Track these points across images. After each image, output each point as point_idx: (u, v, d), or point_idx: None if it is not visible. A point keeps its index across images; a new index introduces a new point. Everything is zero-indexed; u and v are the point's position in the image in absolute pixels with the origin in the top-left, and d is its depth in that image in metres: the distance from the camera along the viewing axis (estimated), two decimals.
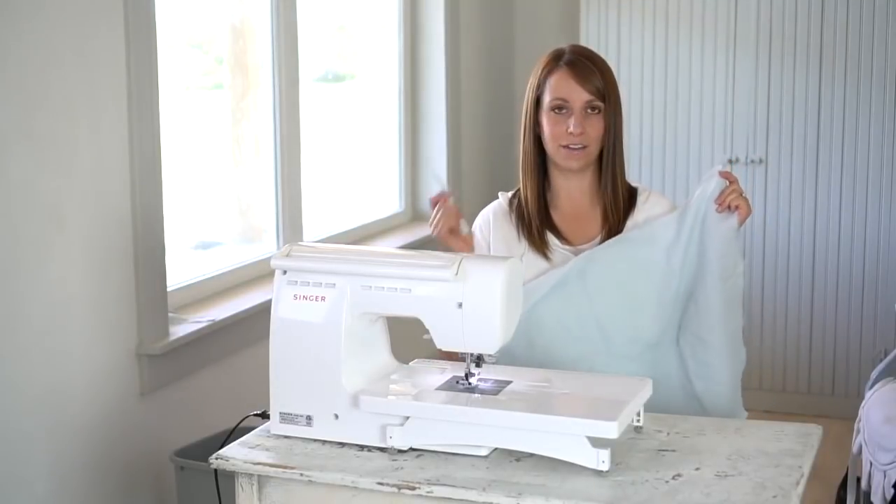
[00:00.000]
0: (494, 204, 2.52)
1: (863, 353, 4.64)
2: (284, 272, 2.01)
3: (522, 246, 2.43)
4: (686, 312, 2.36)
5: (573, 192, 2.45)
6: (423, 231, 4.57)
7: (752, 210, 2.36)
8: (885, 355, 3.61)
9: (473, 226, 2.53)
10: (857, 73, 4.52)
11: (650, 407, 2.03)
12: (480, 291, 1.89)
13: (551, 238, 2.43)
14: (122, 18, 2.83)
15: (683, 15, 4.70)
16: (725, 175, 2.33)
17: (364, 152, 4.63)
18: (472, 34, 4.93)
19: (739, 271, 2.35)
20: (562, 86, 2.38)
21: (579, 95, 2.37)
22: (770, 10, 4.59)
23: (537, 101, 2.43)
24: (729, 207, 2.31)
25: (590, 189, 2.45)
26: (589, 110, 2.38)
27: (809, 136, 4.61)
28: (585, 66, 2.39)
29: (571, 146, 2.38)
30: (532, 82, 2.44)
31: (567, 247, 2.42)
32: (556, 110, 2.38)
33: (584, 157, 2.39)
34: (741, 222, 2.32)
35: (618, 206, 2.43)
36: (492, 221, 2.49)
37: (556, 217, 2.45)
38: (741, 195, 2.32)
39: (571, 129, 2.36)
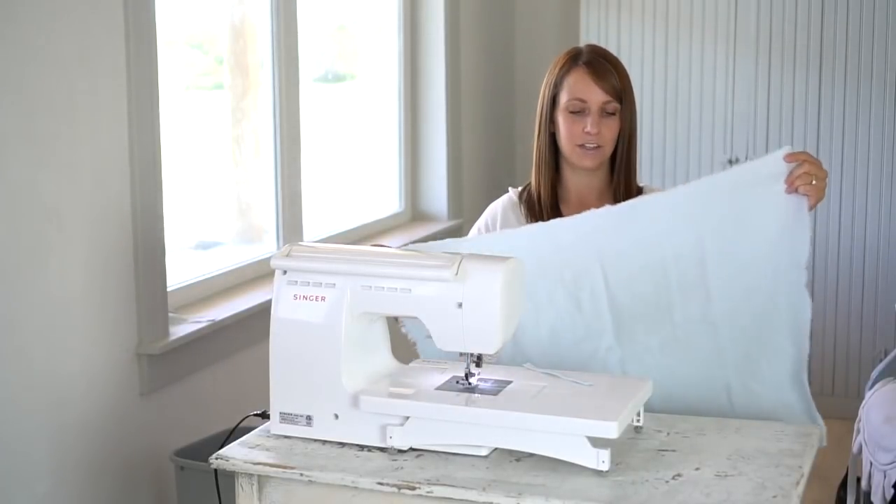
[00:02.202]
0: (504, 198, 2.54)
1: (863, 353, 4.64)
2: (284, 272, 2.01)
3: None
4: (734, 303, 2.18)
5: (583, 189, 2.47)
6: (423, 231, 4.58)
7: (822, 195, 2.11)
8: (885, 355, 3.61)
9: (478, 222, 2.53)
10: (857, 73, 4.52)
11: (667, 399, 2.02)
12: (480, 291, 1.89)
13: None
14: (122, 18, 2.83)
15: (683, 15, 4.70)
16: (793, 157, 2.11)
17: (364, 152, 4.63)
18: (472, 34, 4.92)
19: (802, 262, 2.13)
20: (580, 85, 2.40)
21: (597, 96, 2.39)
22: (770, 10, 4.59)
23: (553, 100, 2.44)
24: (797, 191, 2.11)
25: (600, 187, 2.48)
26: (606, 111, 2.39)
27: (809, 137, 4.61)
28: (603, 66, 2.40)
29: (587, 145, 2.39)
30: (548, 80, 2.45)
31: None
32: (574, 110, 2.40)
33: (598, 156, 2.42)
34: (809, 207, 2.11)
35: None
36: (499, 216, 2.51)
37: (566, 213, 2.48)
38: (811, 181, 2.09)
39: (588, 128, 2.38)
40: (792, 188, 2.11)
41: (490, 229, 2.50)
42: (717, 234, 2.17)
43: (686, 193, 2.22)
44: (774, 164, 2.13)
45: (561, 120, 2.42)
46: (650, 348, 2.23)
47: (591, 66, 2.40)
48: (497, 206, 2.53)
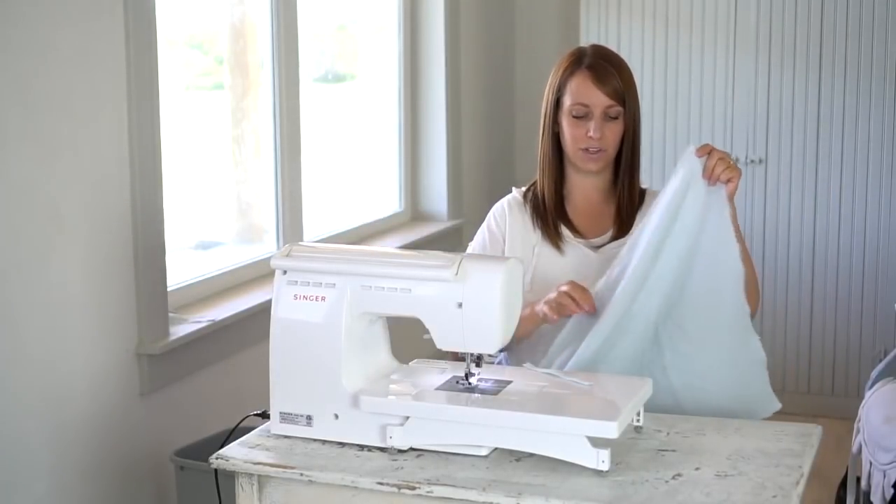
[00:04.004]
0: (509, 196, 2.56)
1: (863, 353, 4.64)
2: (284, 272, 2.01)
3: (536, 236, 2.47)
4: (670, 300, 2.22)
5: (588, 190, 2.48)
6: (423, 231, 4.58)
7: (741, 172, 2.19)
8: (885, 355, 3.61)
9: (488, 216, 2.54)
10: (856, 72, 4.52)
11: None
12: (480, 291, 1.89)
13: (565, 231, 2.47)
14: (122, 18, 2.83)
15: (683, 15, 4.70)
16: (702, 150, 2.19)
17: (364, 152, 4.63)
18: (472, 34, 4.92)
19: (736, 255, 2.18)
20: (582, 90, 2.40)
21: (599, 100, 2.39)
22: (770, 10, 4.59)
23: (557, 102, 2.44)
24: (719, 180, 2.17)
25: (605, 187, 2.49)
26: (608, 115, 2.40)
27: (809, 136, 4.61)
28: (606, 69, 2.41)
29: (590, 149, 2.40)
30: (552, 83, 2.46)
31: (580, 240, 2.46)
32: (577, 114, 2.40)
33: (602, 159, 2.43)
34: (732, 193, 2.18)
35: (632, 205, 2.47)
36: (507, 212, 2.52)
37: (571, 211, 2.50)
38: (728, 164, 2.17)
39: (591, 133, 2.39)
40: (714, 178, 2.17)
41: (499, 226, 2.51)
42: (653, 235, 2.21)
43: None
44: (689, 163, 2.19)
45: (564, 124, 2.43)
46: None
47: (593, 69, 2.40)
48: (503, 205, 2.53)
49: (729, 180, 2.18)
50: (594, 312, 2.23)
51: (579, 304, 2.23)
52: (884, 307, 4.58)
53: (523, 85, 5.24)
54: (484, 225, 2.55)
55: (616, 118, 2.41)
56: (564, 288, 2.25)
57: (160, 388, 3.00)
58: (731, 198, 2.20)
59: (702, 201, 2.19)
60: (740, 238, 2.22)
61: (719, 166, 2.17)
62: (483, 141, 5.09)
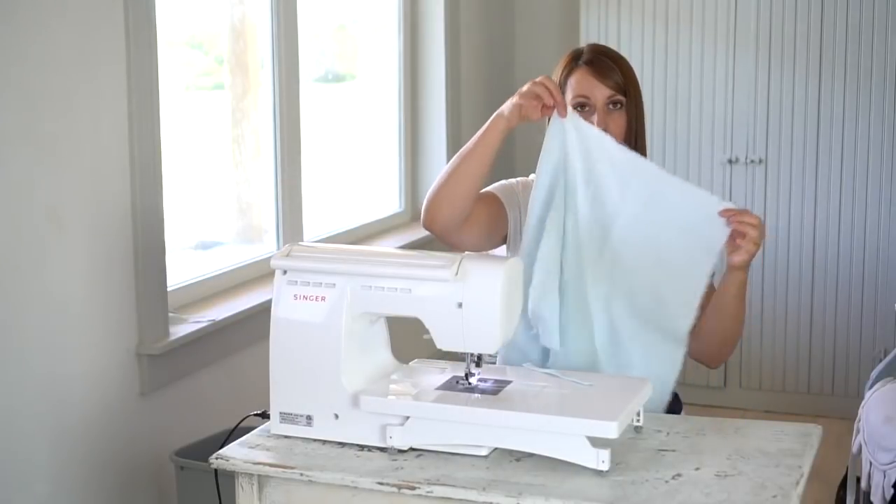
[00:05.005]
0: (525, 179, 2.52)
1: (863, 353, 4.64)
2: (284, 272, 2.01)
3: None
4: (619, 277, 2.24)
5: None
6: (423, 231, 4.56)
7: (755, 249, 2.14)
8: (885, 355, 3.61)
9: (511, 180, 2.51)
10: (857, 73, 4.52)
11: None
12: (480, 291, 1.89)
13: None
14: (122, 18, 2.83)
15: (683, 15, 4.70)
16: (727, 213, 2.15)
17: (364, 152, 4.63)
18: (472, 34, 4.92)
19: (707, 271, 2.18)
20: (582, 84, 2.41)
21: (600, 92, 2.40)
22: (770, 10, 4.60)
23: None
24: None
25: None
26: (610, 106, 2.41)
27: (809, 136, 4.61)
28: (604, 62, 2.42)
29: None
30: None
31: None
32: (579, 108, 2.40)
33: None
34: (738, 262, 2.15)
35: None
36: (520, 192, 2.49)
37: None
38: (752, 236, 2.13)
39: (595, 125, 2.38)
40: (733, 223, 2.14)
41: (519, 191, 2.47)
42: (631, 221, 2.25)
43: (632, 162, 2.31)
44: (707, 206, 2.17)
45: None
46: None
47: (591, 64, 2.42)
48: (524, 179, 2.51)
49: (738, 245, 2.14)
50: (564, 116, 2.26)
51: (556, 101, 2.23)
52: (884, 307, 4.59)
53: (523, 85, 5.23)
54: (505, 181, 2.52)
55: (619, 108, 2.42)
56: (539, 80, 2.26)
57: (160, 388, 3.00)
58: (740, 267, 2.18)
59: (696, 241, 2.18)
60: (742, 298, 2.22)
61: (745, 227, 2.13)
62: None
